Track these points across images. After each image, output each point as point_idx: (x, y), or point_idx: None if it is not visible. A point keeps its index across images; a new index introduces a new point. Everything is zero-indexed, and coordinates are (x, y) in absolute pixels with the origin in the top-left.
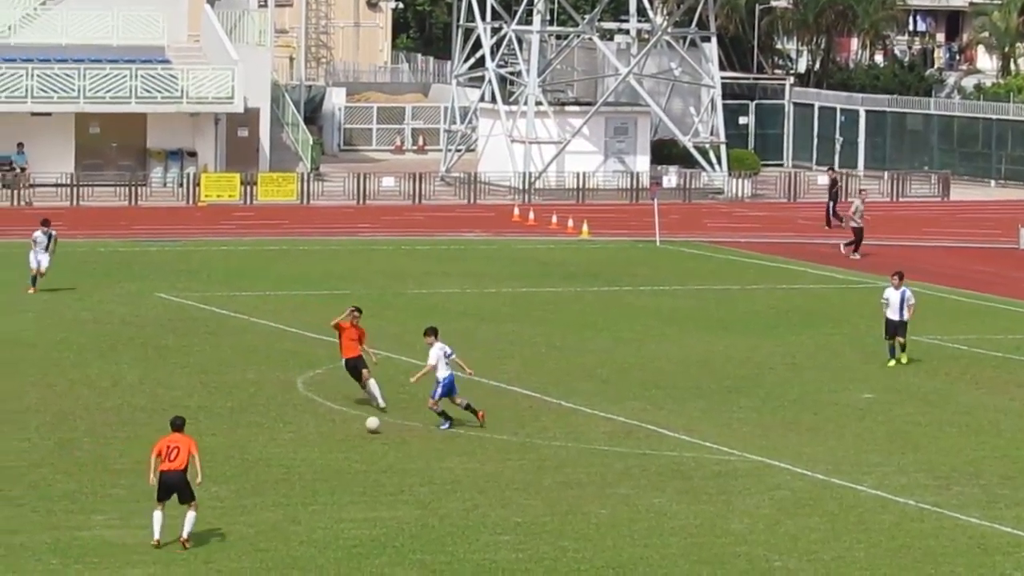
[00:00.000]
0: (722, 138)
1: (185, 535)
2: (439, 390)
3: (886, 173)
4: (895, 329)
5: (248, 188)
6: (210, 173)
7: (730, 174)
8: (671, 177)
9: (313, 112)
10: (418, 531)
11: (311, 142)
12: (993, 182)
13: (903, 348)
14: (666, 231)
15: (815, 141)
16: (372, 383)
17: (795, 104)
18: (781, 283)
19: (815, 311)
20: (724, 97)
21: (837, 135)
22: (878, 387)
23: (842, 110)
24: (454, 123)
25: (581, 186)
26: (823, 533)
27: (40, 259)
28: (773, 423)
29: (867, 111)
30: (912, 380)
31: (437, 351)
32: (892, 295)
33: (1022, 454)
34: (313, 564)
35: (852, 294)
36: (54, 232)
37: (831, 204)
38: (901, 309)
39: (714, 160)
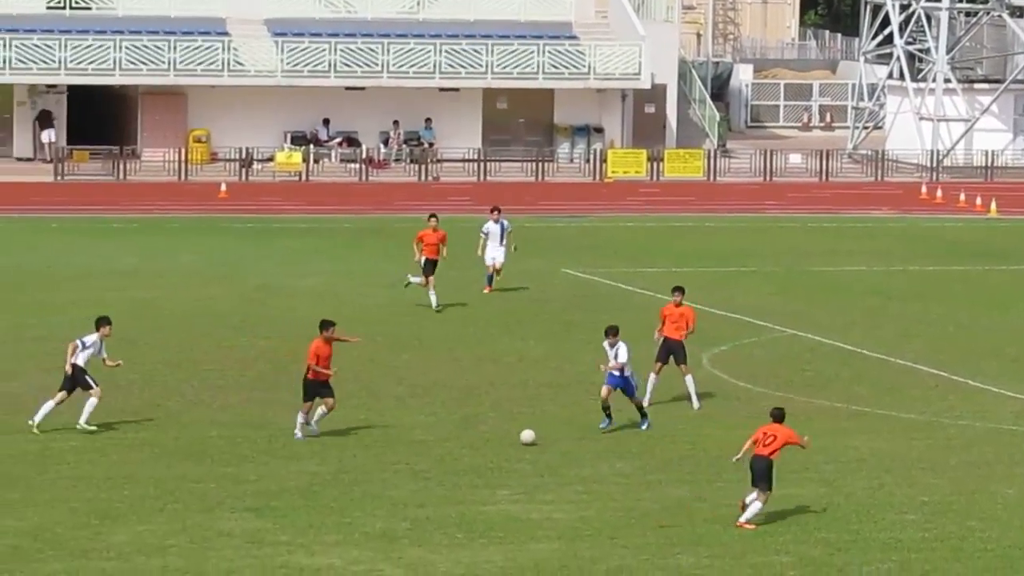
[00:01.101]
0: None
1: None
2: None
3: None
4: None
5: (654, 164)
6: (617, 149)
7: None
8: None
9: (720, 88)
10: (823, 509)
11: (718, 118)
12: None
13: None
14: None
15: None
16: None
17: None
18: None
19: None
20: None
21: None
22: None
23: None
24: (861, 100)
25: (990, 164)
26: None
27: (495, 255)
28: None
29: None
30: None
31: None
32: None
33: None
34: (718, 541)
35: None
36: (507, 223)
37: None
38: None
39: None
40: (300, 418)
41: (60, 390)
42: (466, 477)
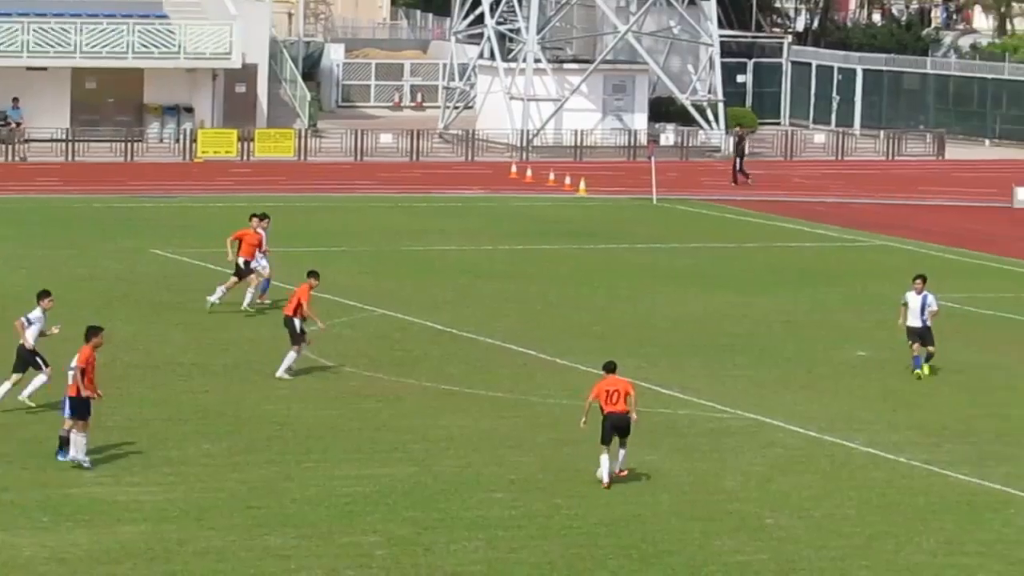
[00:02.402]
0: (720, 96)
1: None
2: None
3: (882, 132)
4: (916, 335)
5: (245, 144)
6: (207, 129)
7: (727, 132)
8: (668, 135)
9: (311, 68)
10: (412, 488)
11: (309, 98)
12: (988, 141)
13: (929, 358)
14: (663, 189)
15: (812, 100)
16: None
17: (793, 63)
18: (777, 241)
19: (810, 269)
20: (722, 55)
21: (834, 94)
22: (872, 345)
23: (839, 69)
24: (453, 80)
25: (579, 144)
26: (815, 490)
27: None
28: (767, 381)
29: (864, 70)
30: (905, 339)
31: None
32: (912, 299)
33: (1013, 412)
34: (305, 521)
35: (848, 252)
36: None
37: (738, 161)
38: (922, 314)
39: (711, 118)
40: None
41: (13, 372)
42: (51, 460)
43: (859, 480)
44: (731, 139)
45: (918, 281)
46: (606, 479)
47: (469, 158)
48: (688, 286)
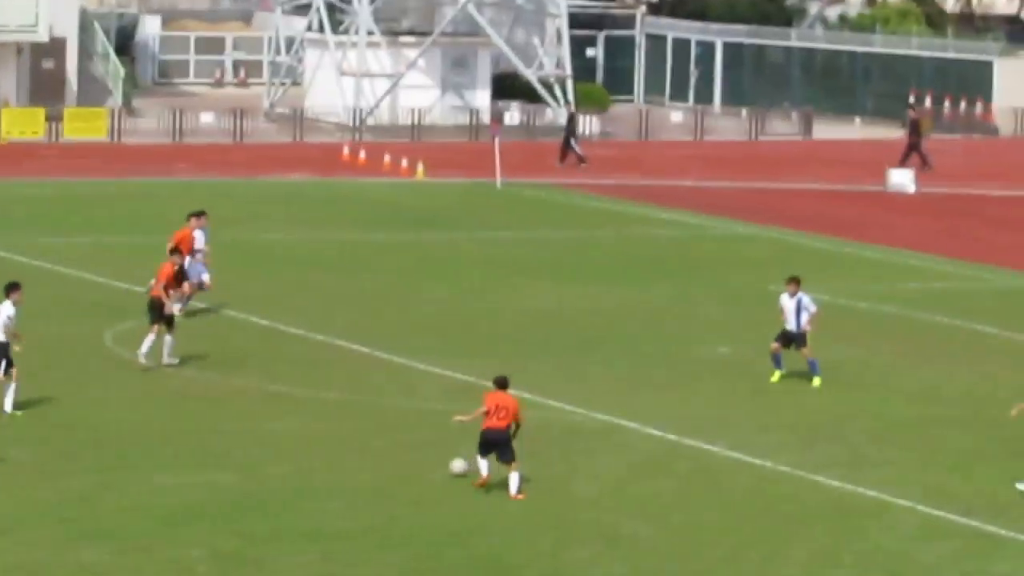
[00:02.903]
0: (568, 71)
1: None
2: None
3: (744, 109)
4: (791, 340)
5: (54, 125)
6: (11, 108)
7: (577, 110)
8: (513, 113)
9: (125, 42)
10: (239, 497)
11: (123, 75)
12: (858, 119)
13: (814, 370)
14: (508, 172)
15: (668, 75)
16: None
17: (647, 35)
18: (632, 229)
19: (668, 259)
20: (571, 27)
21: (692, 68)
22: (736, 341)
23: (697, 42)
24: (279, 54)
25: (416, 123)
26: (674, 496)
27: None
28: (624, 379)
29: (724, 43)
30: (772, 333)
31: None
32: (786, 303)
33: (888, 411)
34: (124, 534)
35: (708, 240)
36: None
37: (570, 139)
38: (798, 317)
39: (560, 95)
40: None
41: None
42: None
43: (723, 486)
44: (563, 115)
45: (791, 284)
46: (484, 473)
47: (297, 139)
48: (538, 278)
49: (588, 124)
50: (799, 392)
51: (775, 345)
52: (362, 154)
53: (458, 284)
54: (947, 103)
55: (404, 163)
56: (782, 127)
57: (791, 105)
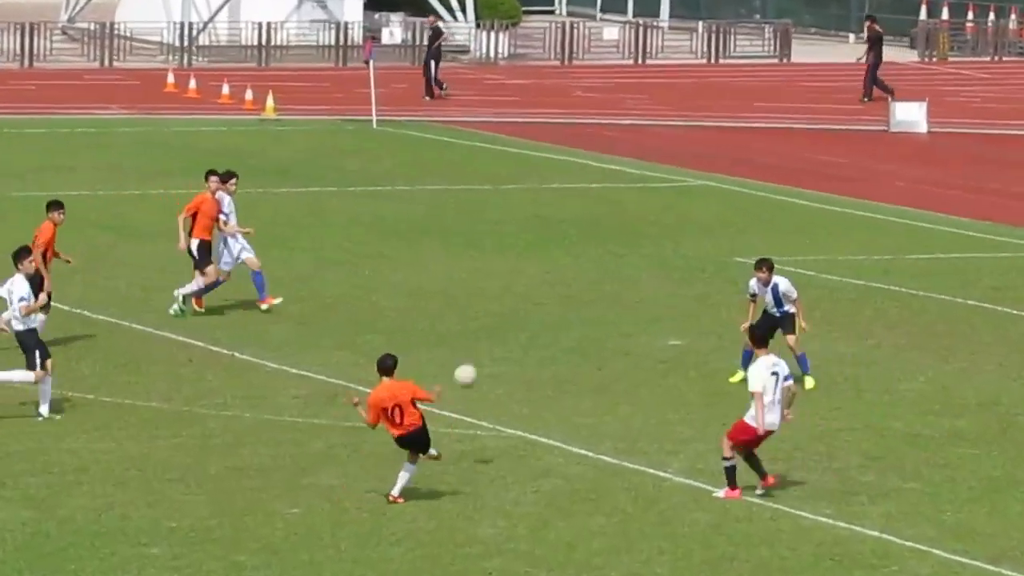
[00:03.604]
0: None
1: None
2: None
3: (700, 24)
4: (775, 325)
5: None
6: None
7: (478, 25)
8: (394, 30)
9: None
10: (28, 540)
11: None
12: (852, 37)
13: (804, 367)
14: (387, 107)
15: None
16: None
17: None
18: (551, 182)
19: (600, 221)
20: None
21: None
22: (689, 330)
23: None
24: None
25: (264, 43)
26: (611, 540)
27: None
28: (540, 382)
29: None
30: (736, 318)
31: None
32: (759, 292)
33: (891, 424)
34: None
35: (652, 196)
36: None
37: (432, 65)
38: (779, 307)
39: (456, 6)
40: None
41: None
42: None
43: (675, 524)
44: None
45: (763, 270)
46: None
47: (106, 64)
48: (425, 246)
49: (493, 43)
50: None
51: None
52: (192, 83)
53: (321, 254)
54: (969, 14)
55: (248, 96)
56: (751, 47)
57: (763, 18)
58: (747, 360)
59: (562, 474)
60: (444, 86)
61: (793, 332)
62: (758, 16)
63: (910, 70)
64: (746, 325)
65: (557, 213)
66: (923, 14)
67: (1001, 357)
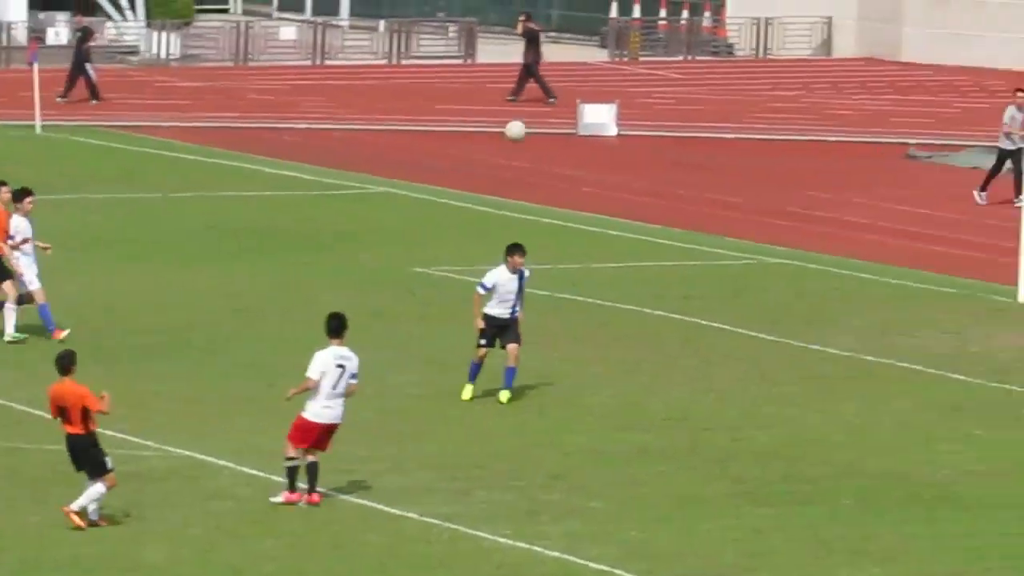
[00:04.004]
0: None
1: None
2: None
3: (382, 23)
4: (499, 331)
5: None
6: None
7: (149, 25)
8: (59, 30)
9: None
10: None
11: None
12: (540, 36)
13: (510, 378)
14: (53, 112)
15: None
16: None
17: None
18: (226, 189)
19: (276, 230)
20: None
21: None
22: (367, 344)
23: None
24: None
25: None
26: (281, 563)
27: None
28: (210, 400)
29: None
30: (421, 332)
31: None
32: (503, 280)
33: (574, 441)
34: None
35: (330, 203)
36: None
37: (85, 67)
38: (516, 301)
39: (125, 4)
40: None
41: None
42: None
43: (348, 546)
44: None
45: (516, 255)
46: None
47: None
48: (92, 258)
49: (164, 43)
50: (451, 416)
51: (481, 351)
52: None
53: None
54: (662, 12)
55: None
56: (435, 47)
57: (448, 16)
58: (475, 372)
59: (232, 495)
60: (70, 91)
61: (517, 342)
62: (442, 14)
63: (600, 70)
64: (478, 320)
65: (231, 222)
66: (614, 11)
67: (690, 369)
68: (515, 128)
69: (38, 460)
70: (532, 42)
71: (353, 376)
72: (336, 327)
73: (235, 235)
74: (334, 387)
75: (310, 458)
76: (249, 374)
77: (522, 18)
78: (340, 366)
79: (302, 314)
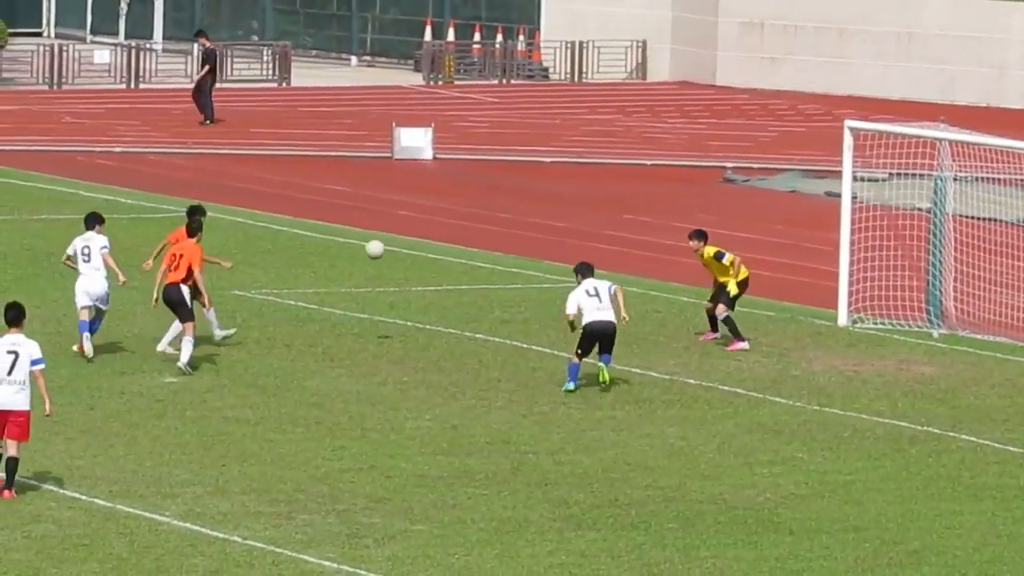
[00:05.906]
0: None
1: None
2: None
3: (196, 46)
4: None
5: None
6: None
7: None
8: None
9: None
10: None
11: None
12: (355, 59)
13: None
14: None
15: (89, 1)
16: None
17: None
18: (41, 212)
19: (33, 249)
20: None
21: None
22: (203, 368)
23: None
24: None
25: None
26: None
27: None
28: (31, 423)
29: None
30: (244, 357)
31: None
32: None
33: (397, 464)
34: None
35: (147, 227)
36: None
37: None
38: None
39: None
40: None
41: None
42: None
43: (172, 571)
44: None
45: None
46: None
47: None
48: None
49: None
50: (274, 439)
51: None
52: None
53: None
54: (476, 35)
55: None
56: (249, 71)
57: (261, 40)
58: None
59: (54, 519)
60: None
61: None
62: (256, 37)
63: (416, 94)
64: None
65: (47, 245)
66: (428, 35)
67: (511, 392)
68: (375, 247)
69: None
70: (209, 60)
71: (35, 363)
72: (14, 317)
73: (50, 258)
74: (9, 373)
75: (10, 452)
76: (68, 397)
77: (200, 37)
78: (12, 352)
79: (121, 337)
